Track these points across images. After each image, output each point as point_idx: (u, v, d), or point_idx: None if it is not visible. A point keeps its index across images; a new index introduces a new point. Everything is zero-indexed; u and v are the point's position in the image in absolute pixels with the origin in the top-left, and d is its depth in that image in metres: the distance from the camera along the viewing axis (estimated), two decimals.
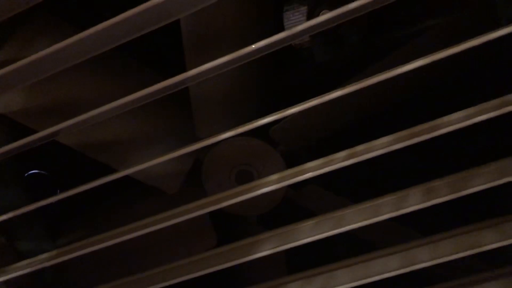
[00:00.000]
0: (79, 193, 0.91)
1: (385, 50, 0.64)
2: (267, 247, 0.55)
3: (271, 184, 0.52)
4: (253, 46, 0.42)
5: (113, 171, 0.58)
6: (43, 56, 0.47)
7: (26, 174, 0.94)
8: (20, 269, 0.61)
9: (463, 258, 0.62)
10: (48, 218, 0.83)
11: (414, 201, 0.51)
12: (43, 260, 0.60)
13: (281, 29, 0.65)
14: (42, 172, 0.94)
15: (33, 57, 0.47)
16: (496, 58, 0.60)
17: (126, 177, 0.68)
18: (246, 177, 0.63)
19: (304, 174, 0.52)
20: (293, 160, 0.63)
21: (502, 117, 0.46)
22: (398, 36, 0.71)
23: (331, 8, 0.59)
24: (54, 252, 0.61)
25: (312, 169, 0.52)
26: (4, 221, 0.71)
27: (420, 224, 0.66)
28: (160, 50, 0.77)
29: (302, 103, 0.46)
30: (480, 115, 0.44)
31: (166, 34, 0.60)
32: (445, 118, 0.48)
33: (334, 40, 0.69)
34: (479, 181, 0.49)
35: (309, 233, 0.55)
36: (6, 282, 0.67)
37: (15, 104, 0.59)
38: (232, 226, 0.72)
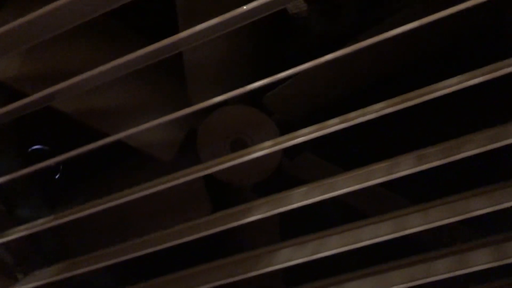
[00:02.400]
0: (81, 164, 0.92)
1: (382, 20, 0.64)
2: (258, 213, 0.56)
3: (263, 149, 0.53)
4: (245, 7, 0.42)
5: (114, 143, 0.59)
6: (35, 18, 0.47)
7: (29, 150, 0.95)
8: (17, 233, 0.62)
9: (454, 227, 0.63)
10: (48, 188, 0.85)
11: (405, 167, 0.52)
12: (40, 224, 0.62)
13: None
14: (44, 147, 0.96)
15: (26, 18, 0.47)
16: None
17: (126, 148, 0.69)
18: (241, 146, 0.64)
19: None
20: (288, 129, 0.63)
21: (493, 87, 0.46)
22: (397, 6, 0.70)
23: None
24: (50, 217, 0.62)
25: (305, 135, 0.52)
26: (3, 188, 0.73)
27: (415, 196, 0.66)
28: (159, 20, 0.76)
29: (292, 68, 0.46)
30: (470, 79, 0.45)
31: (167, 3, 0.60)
32: (438, 85, 0.48)
33: (332, 10, 0.69)
34: (470, 147, 0.49)
35: (301, 199, 0.55)
36: (7, 248, 0.69)
37: (11, 70, 0.59)
38: (228, 196, 0.73)
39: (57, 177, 0.96)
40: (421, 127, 0.71)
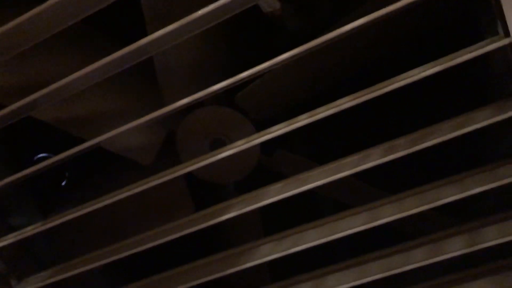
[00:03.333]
0: (71, 172, 0.94)
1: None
2: (237, 209, 0.58)
3: (236, 147, 0.54)
4: (199, 12, 0.43)
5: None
6: (8, 30, 0.49)
7: (35, 158, 0.97)
8: (7, 240, 0.64)
9: (431, 216, 0.64)
10: (42, 199, 0.87)
11: (375, 158, 0.53)
12: (29, 230, 0.63)
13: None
14: (50, 155, 0.98)
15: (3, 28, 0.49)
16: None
17: (113, 155, 0.71)
18: (219, 146, 0.65)
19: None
20: (265, 127, 0.65)
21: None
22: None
23: None
24: (38, 223, 0.64)
25: (276, 131, 0.54)
26: None
27: (393, 187, 0.67)
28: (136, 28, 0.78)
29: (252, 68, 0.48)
30: (426, 70, 0.46)
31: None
32: (399, 76, 0.49)
33: (305, 7, 0.71)
34: (435, 136, 0.50)
35: (277, 194, 0.57)
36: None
37: None
38: (212, 195, 0.74)
39: (63, 184, 0.99)
40: (394, 120, 0.72)
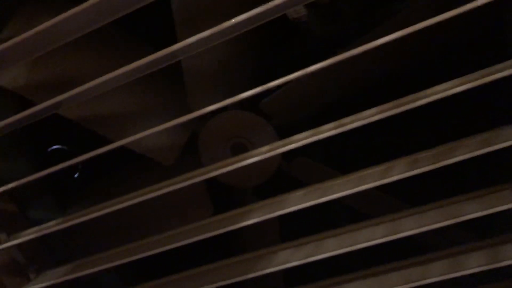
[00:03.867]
0: (89, 169, 0.94)
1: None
2: (258, 215, 0.58)
3: (260, 154, 0.55)
4: (233, 20, 0.44)
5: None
6: (43, 29, 0.49)
7: (48, 150, 0.98)
8: (29, 235, 0.65)
9: (450, 230, 0.64)
10: (59, 191, 0.88)
11: (398, 171, 0.53)
12: (51, 226, 0.64)
13: None
14: (63, 147, 0.98)
15: (34, 30, 0.49)
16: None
17: (132, 153, 0.71)
18: (241, 150, 0.65)
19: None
20: (287, 133, 0.65)
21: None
22: (397, 9, 0.71)
23: None
24: (60, 220, 0.65)
25: (301, 140, 0.54)
26: (17, 191, 0.76)
27: (413, 198, 0.67)
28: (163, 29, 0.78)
29: (285, 76, 0.48)
30: (459, 86, 0.45)
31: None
32: (428, 91, 0.49)
33: (331, 13, 0.70)
34: (461, 152, 0.50)
35: (298, 202, 0.57)
36: (19, 249, 0.72)
37: (20, 79, 0.62)
38: (230, 198, 0.75)
39: (76, 176, 0.99)
40: (416, 132, 0.71)
